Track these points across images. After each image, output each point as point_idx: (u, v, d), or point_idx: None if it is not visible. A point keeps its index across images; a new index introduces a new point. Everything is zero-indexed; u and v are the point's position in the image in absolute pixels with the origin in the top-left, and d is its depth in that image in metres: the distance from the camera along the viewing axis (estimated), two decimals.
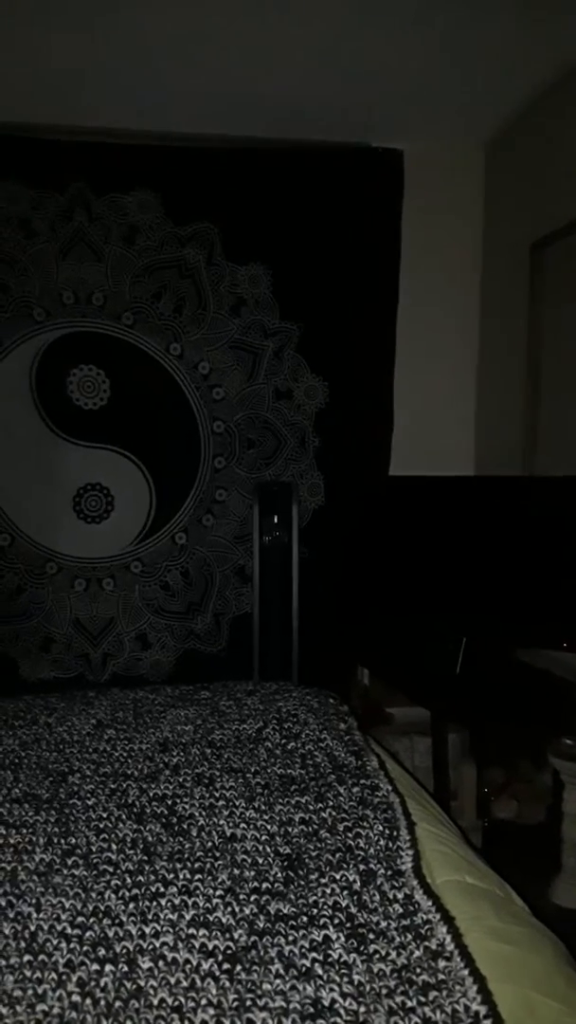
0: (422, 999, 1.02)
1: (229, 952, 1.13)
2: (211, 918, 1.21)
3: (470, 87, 2.59)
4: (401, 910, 1.23)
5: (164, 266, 2.91)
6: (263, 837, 1.48)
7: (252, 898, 1.27)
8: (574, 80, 2.47)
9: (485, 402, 3.16)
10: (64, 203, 2.82)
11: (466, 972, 1.06)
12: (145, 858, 1.40)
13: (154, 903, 1.25)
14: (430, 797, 1.86)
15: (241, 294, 2.97)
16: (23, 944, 1.15)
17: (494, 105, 2.74)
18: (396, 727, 2.94)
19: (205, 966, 1.09)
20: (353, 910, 1.23)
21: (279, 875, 1.34)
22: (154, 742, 1.96)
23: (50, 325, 2.88)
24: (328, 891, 1.28)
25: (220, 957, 1.11)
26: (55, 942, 1.15)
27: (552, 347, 2.71)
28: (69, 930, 1.18)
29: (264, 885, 1.31)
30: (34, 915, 1.22)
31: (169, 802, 1.63)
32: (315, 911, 1.23)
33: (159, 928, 1.18)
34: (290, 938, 1.16)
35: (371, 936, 1.16)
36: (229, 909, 1.23)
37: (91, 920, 1.21)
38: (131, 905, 1.25)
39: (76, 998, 1.03)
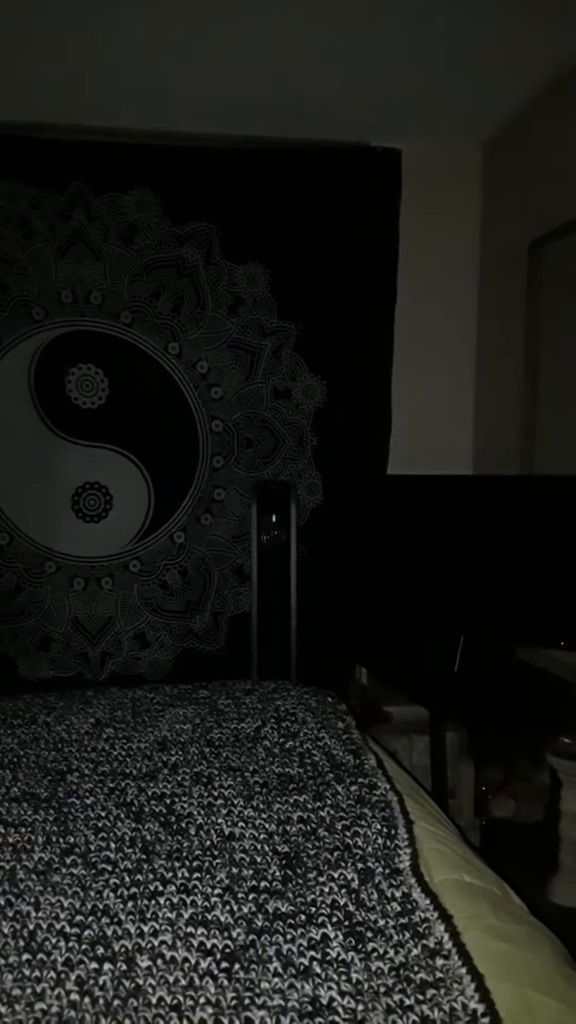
0: (420, 997, 1.02)
1: (227, 951, 1.13)
2: (209, 917, 1.21)
3: (469, 87, 2.60)
4: (399, 908, 1.23)
5: (162, 265, 2.91)
6: (261, 836, 1.48)
7: (250, 897, 1.27)
8: (572, 80, 2.47)
9: (483, 401, 3.16)
10: (63, 202, 2.82)
11: (464, 970, 1.07)
12: (144, 857, 1.40)
13: (153, 902, 1.25)
14: (428, 796, 1.86)
15: (239, 293, 2.97)
16: (22, 943, 1.15)
17: (492, 105, 2.74)
18: (394, 726, 2.94)
19: (204, 965, 1.10)
20: (351, 908, 1.23)
21: (277, 874, 1.34)
22: (152, 741, 1.96)
23: (49, 324, 2.88)
24: (326, 889, 1.28)
25: (218, 956, 1.11)
26: (54, 941, 1.15)
27: (550, 346, 2.71)
28: (68, 929, 1.18)
29: (262, 884, 1.31)
30: (33, 914, 1.22)
31: (168, 801, 1.63)
32: (313, 909, 1.23)
33: (158, 927, 1.19)
34: (288, 936, 1.16)
35: (369, 934, 1.16)
36: (227, 908, 1.23)
37: (90, 919, 1.21)
38: (130, 904, 1.25)
39: (75, 997, 1.03)
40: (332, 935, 1.16)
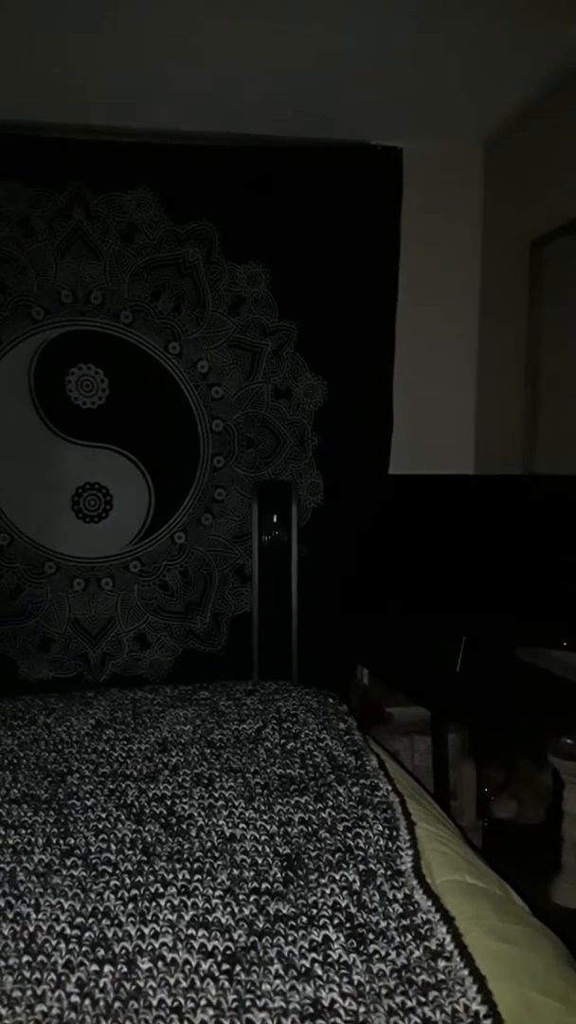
0: (422, 999, 1.02)
1: (228, 952, 1.12)
2: (210, 918, 1.21)
3: (470, 85, 2.59)
4: (401, 910, 1.22)
5: (163, 264, 2.91)
6: (262, 837, 1.47)
7: (251, 898, 1.26)
8: (573, 79, 2.47)
9: (484, 400, 3.15)
10: (63, 201, 2.82)
11: (466, 972, 1.06)
12: (144, 858, 1.40)
13: (153, 903, 1.25)
14: (430, 797, 1.86)
15: (240, 293, 2.97)
16: (22, 945, 1.15)
17: (494, 103, 2.73)
18: (396, 727, 2.94)
19: (204, 966, 1.09)
20: (353, 910, 1.22)
21: (278, 875, 1.34)
22: (153, 742, 1.96)
23: (48, 324, 2.88)
24: (328, 891, 1.28)
25: (219, 957, 1.11)
26: (54, 943, 1.15)
27: (551, 345, 2.71)
28: (68, 931, 1.18)
29: (263, 885, 1.31)
30: (33, 916, 1.22)
31: (168, 802, 1.63)
32: (315, 911, 1.22)
33: (158, 929, 1.18)
34: (290, 938, 1.16)
35: (371, 936, 1.16)
36: (228, 909, 1.23)
37: (90, 921, 1.21)
38: (130, 906, 1.25)
39: (75, 999, 1.03)
40: (334, 937, 1.15)
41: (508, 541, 2.57)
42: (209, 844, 1.45)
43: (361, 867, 1.35)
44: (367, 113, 2.79)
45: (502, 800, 2.76)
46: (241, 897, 1.27)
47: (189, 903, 1.25)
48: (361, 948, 1.13)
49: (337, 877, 1.31)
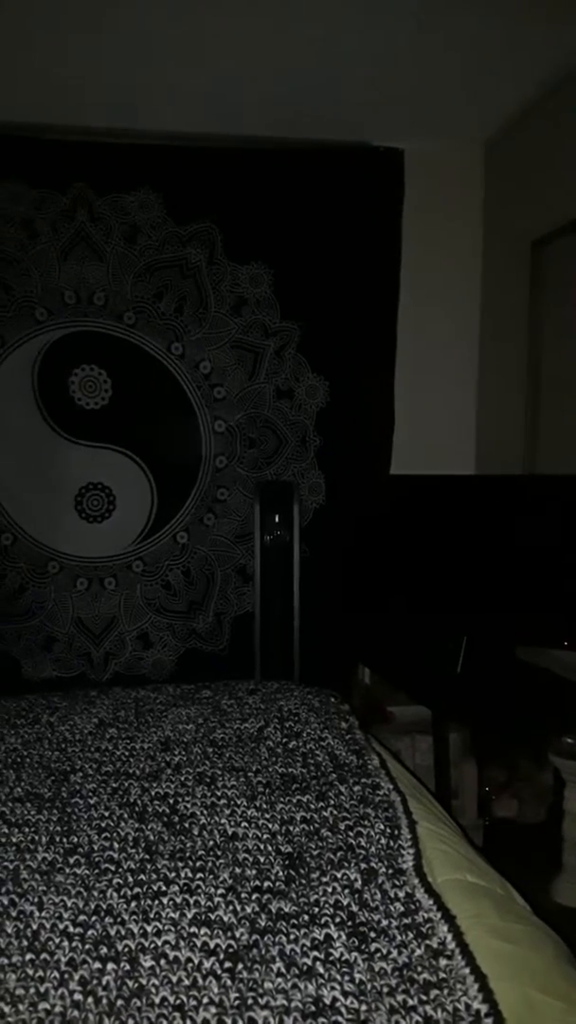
0: (423, 997, 1.02)
1: (231, 950, 1.13)
2: (213, 917, 1.21)
3: (470, 86, 2.59)
4: (402, 909, 1.23)
5: (165, 266, 2.91)
6: (264, 836, 1.48)
7: (253, 897, 1.27)
8: (573, 80, 2.47)
9: (486, 401, 3.16)
10: (66, 203, 2.82)
11: (467, 971, 1.07)
12: (147, 857, 1.40)
13: (156, 902, 1.26)
14: (431, 796, 1.86)
15: (242, 293, 2.97)
16: (25, 943, 1.16)
17: (494, 104, 2.73)
18: (397, 726, 2.94)
19: (207, 965, 1.10)
20: (354, 909, 1.23)
21: (280, 874, 1.35)
22: (156, 741, 1.97)
23: (52, 325, 2.89)
24: (329, 890, 1.28)
25: (222, 956, 1.12)
26: (57, 940, 1.16)
27: (552, 346, 2.71)
28: (71, 929, 1.19)
29: (265, 884, 1.32)
30: (36, 914, 1.23)
31: (171, 801, 1.63)
32: (316, 910, 1.23)
33: (161, 927, 1.19)
34: (291, 937, 1.16)
35: (372, 935, 1.16)
36: (231, 908, 1.24)
37: (93, 919, 1.21)
38: (133, 904, 1.25)
39: (78, 996, 1.04)
40: (335, 935, 1.16)
41: (509, 541, 2.58)
42: (211, 843, 1.46)
43: (363, 866, 1.35)
44: (368, 114, 2.79)
45: (503, 799, 2.77)
46: (243, 895, 1.27)
47: (191, 901, 1.26)
48: (363, 946, 1.13)
49: (339, 876, 1.32)
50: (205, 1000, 1.03)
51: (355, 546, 3.08)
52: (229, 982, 1.06)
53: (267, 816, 1.55)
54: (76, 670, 3.02)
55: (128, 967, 1.10)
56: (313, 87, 2.57)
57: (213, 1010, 1.01)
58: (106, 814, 1.58)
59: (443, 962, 1.09)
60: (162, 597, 3.06)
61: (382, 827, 1.49)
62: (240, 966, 1.09)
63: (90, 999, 1.03)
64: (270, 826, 1.51)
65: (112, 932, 1.18)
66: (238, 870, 1.36)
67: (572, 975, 1.16)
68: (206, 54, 2.37)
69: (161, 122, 2.79)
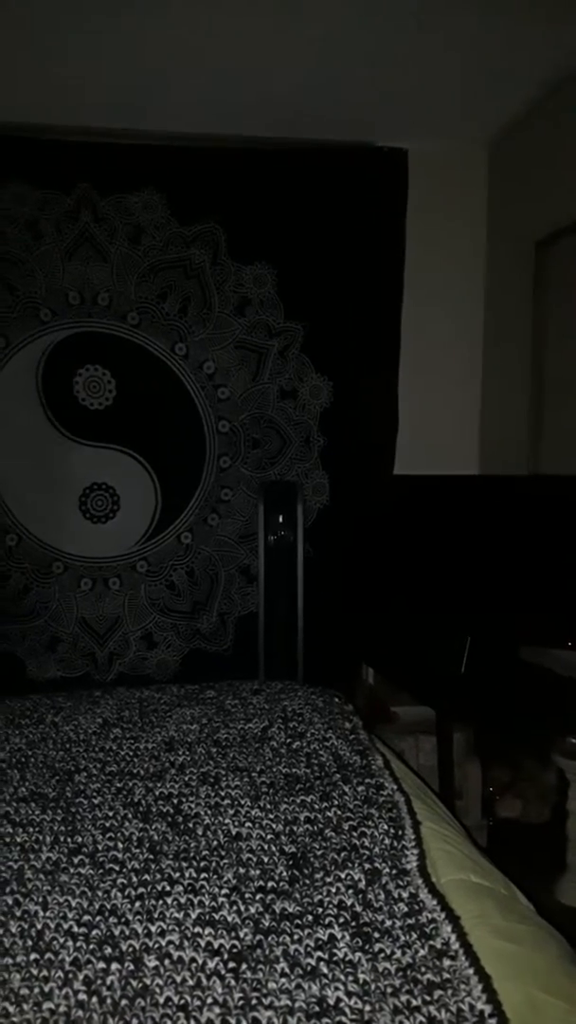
0: (427, 998, 1.02)
1: (235, 951, 1.13)
2: (217, 917, 1.22)
3: (474, 86, 2.59)
4: (406, 909, 1.23)
5: (169, 266, 2.92)
6: (268, 836, 1.48)
7: (257, 897, 1.27)
8: None
9: (489, 401, 3.16)
10: (70, 204, 2.83)
11: (471, 971, 1.07)
12: (151, 857, 1.41)
13: (160, 902, 1.26)
14: (435, 796, 1.86)
15: (246, 294, 2.97)
16: (30, 942, 1.16)
17: (498, 104, 2.73)
18: (401, 726, 2.94)
19: (211, 965, 1.10)
20: (358, 909, 1.23)
21: (284, 874, 1.35)
22: (160, 741, 1.97)
23: (56, 325, 2.89)
24: (333, 890, 1.28)
25: (226, 956, 1.12)
26: (62, 940, 1.16)
27: (556, 345, 2.70)
28: (76, 928, 1.19)
29: (269, 884, 1.32)
30: (41, 913, 1.23)
31: (175, 801, 1.64)
32: (320, 910, 1.23)
33: (165, 927, 1.19)
34: (295, 937, 1.16)
35: (376, 935, 1.16)
36: (235, 908, 1.24)
37: (97, 918, 1.22)
38: (137, 904, 1.25)
39: (82, 996, 1.04)
40: (339, 935, 1.16)
41: (512, 541, 2.58)
42: (215, 843, 1.46)
43: (366, 866, 1.35)
44: (371, 114, 2.79)
45: (507, 799, 2.77)
46: (247, 895, 1.28)
47: (195, 901, 1.26)
48: (366, 947, 1.13)
49: (343, 876, 1.32)
50: (209, 1000, 1.03)
51: (358, 546, 3.08)
52: (233, 982, 1.06)
53: (271, 816, 1.55)
54: (80, 670, 3.02)
55: (132, 967, 1.10)
56: (316, 87, 2.57)
57: (217, 1010, 1.01)
58: (110, 814, 1.58)
59: (447, 962, 1.09)
60: (166, 597, 3.07)
61: (386, 827, 1.49)
62: (244, 966, 1.10)
63: (94, 999, 1.04)
64: (274, 826, 1.52)
65: (116, 932, 1.18)
66: (242, 870, 1.36)
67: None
68: (209, 54, 2.37)
69: (165, 123, 2.79)
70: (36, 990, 1.05)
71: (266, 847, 1.44)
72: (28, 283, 2.85)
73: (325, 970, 1.08)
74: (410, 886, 1.30)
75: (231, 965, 1.10)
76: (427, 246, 3.07)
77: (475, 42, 2.32)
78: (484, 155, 3.08)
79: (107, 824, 1.54)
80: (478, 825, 2.65)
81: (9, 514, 2.93)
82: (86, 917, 1.22)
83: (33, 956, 1.12)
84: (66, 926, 1.20)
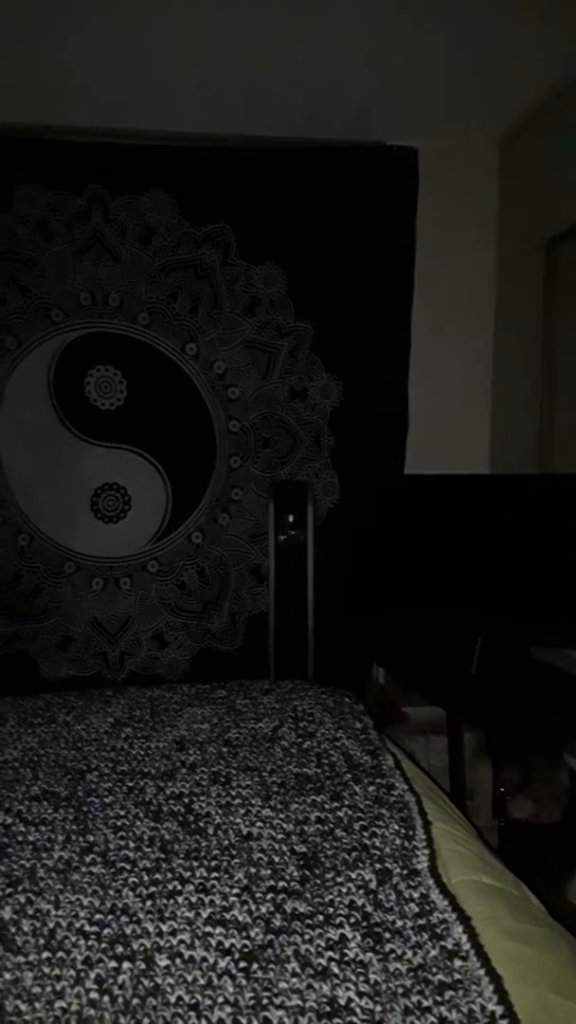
0: (438, 999, 1.02)
1: (246, 950, 1.13)
2: (228, 916, 1.22)
3: (484, 85, 2.58)
4: (417, 909, 1.23)
5: (180, 266, 2.92)
6: (279, 836, 1.48)
7: (268, 896, 1.27)
8: None
9: (500, 400, 3.15)
10: (81, 204, 2.84)
11: (482, 972, 1.07)
12: (162, 856, 1.41)
13: (171, 901, 1.26)
14: (446, 796, 1.86)
15: (256, 294, 2.98)
16: (42, 941, 1.17)
17: (508, 102, 2.72)
18: (412, 726, 2.94)
19: (222, 964, 1.10)
20: (369, 909, 1.23)
21: (295, 874, 1.35)
22: (171, 740, 1.98)
23: (67, 326, 2.90)
24: (344, 890, 1.28)
25: (237, 955, 1.12)
26: (73, 939, 1.17)
27: (568, 344, 2.69)
28: (87, 927, 1.20)
29: (280, 884, 1.32)
30: (53, 912, 1.23)
31: (186, 800, 1.64)
32: (331, 910, 1.23)
33: (176, 926, 1.19)
34: (306, 937, 1.16)
35: (387, 935, 1.16)
36: (245, 907, 1.24)
37: (109, 917, 1.22)
38: (148, 903, 1.26)
39: (94, 995, 1.05)
40: (350, 936, 1.16)
41: (524, 541, 2.57)
42: (226, 842, 1.46)
43: (377, 866, 1.35)
44: (381, 113, 2.79)
45: (518, 800, 2.75)
46: (258, 895, 1.28)
47: (206, 901, 1.26)
48: (377, 947, 1.13)
49: (353, 876, 1.32)
50: (220, 1000, 1.03)
51: (369, 546, 3.08)
52: (244, 982, 1.07)
53: (282, 816, 1.56)
54: (92, 669, 3.03)
55: (144, 966, 1.10)
56: (326, 86, 2.57)
57: (228, 1010, 1.01)
58: (122, 813, 1.58)
59: (458, 963, 1.09)
60: (177, 597, 3.07)
61: (397, 827, 1.49)
62: (255, 966, 1.10)
63: (106, 998, 1.04)
64: (285, 826, 1.52)
65: (128, 931, 1.18)
66: (253, 870, 1.36)
67: None
68: (218, 54, 2.37)
69: (175, 123, 2.80)
70: (48, 988, 1.06)
71: (277, 847, 1.44)
72: (40, 284, 2.86)
73: (336, 970, 1.08)
74: (421, 886, 1.30)
75: (242, 965, 1.10)
76: (437, 245, 3.06)
77: (485, 40, 2.31)
78: (494, 154, 3.07)
79: (119, 823, 1.54)
80: (489, 826, 2.64)
81: (21, 514, 2.94)
82: (98, 916, 1.22)
83: (45, 955, 1.13)
84: (78, 925, 1.20)
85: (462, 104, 2.73)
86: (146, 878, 1.33)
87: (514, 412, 3.04)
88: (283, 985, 1.06)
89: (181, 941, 1.16)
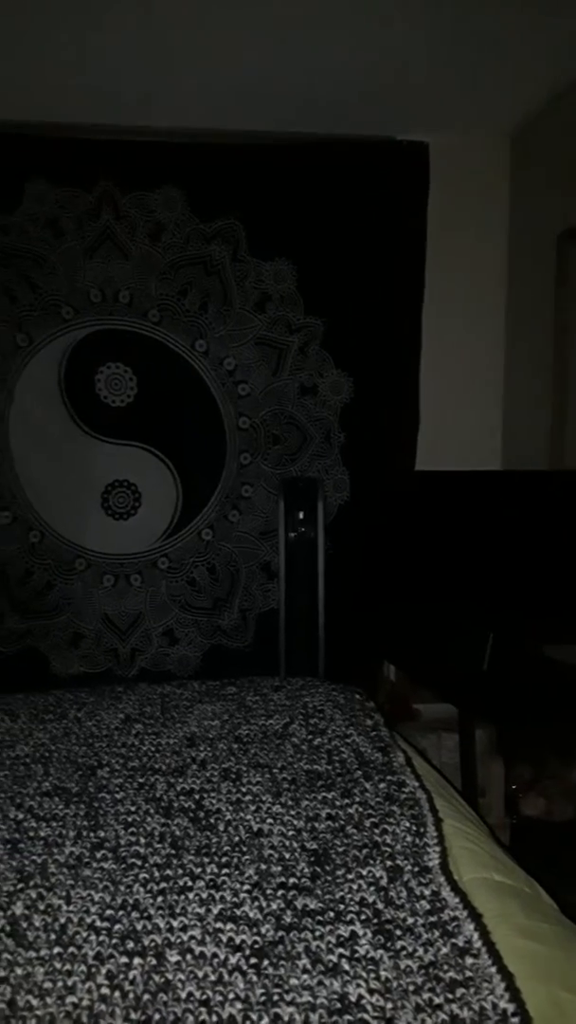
0: (449, 996, 1.02)
1: (256, 946, 1.13)
2: (238, 912, 1.22)
3: (495, 78, 2.57)
4: (428, 907, 1.22)
5: (190, 263, 2.92)
6: (290, 832, 1.48)
7: (279, 893, 1.27)
8: None
9: (512, 395, 3.13)
10: (91, 201, 2.84)
11: (494, 969, 1.06)
12: (173, 852, 1.41)
13: (182, 897, 1.26)
14: (457, 794, 1.85)
15: (266, 290, 2.97)
16: (53, 936, 1.17)
17: (520, 96, 2.71)
18: (423, 723, 2.93)
19: (232, 960, 1.10)
20: (380, 906, 1.23)
21: (306, 870, 1.35)
22: (181, 737, 1.98)
23: (78, 323, 2.91)
24: (355, 887, 1.28)
25: (247, 951, 1.12)
26: (84, 935, 1.17)
27: None
28: (98, 923, 1.20)
29: (291, 880, 1.32)
30: (64, 907, 1.24)
31: (196, 796, 1.64)
32: (342, 907, 1.23)
33: (187, 922, 1.19)
34: (317, 933, 1.16)
35: (398, 932, 1.16)
36: (256, 904, 1.24)
37: (120, 913, 1.22)
38: (159, 899, 1.26)
39: (105, 991, 1.05)
40: (361, 932, 1.16)
41: (536, 537, 2.55)
42: (237, 839, 1.46)
43: (388, 863, 1.35)
44: (391, 107, 2.78)
45: (530, 797, 2.74)
46: (268, 892, 1.28)
47: (217, 897, 1.26)
48: (388, 944, 1.13)
49: (364, 873, 1.32)
50: (231, 996, 1.03)
51: (379, 543, 3.07)
52: (255, 978, 1.06)
53: (292, 813, 1.55)
54: (103, 666, 3.04)
55: (154, 962, 1.10)
56: (336, 82, 2.56)
57: (239, 1006, 1.01)
58: (132, 809, 1.58)
59: (469, 961, 1.09)
60: (187, 594, 3.07)
61: (408, 824, 1.48)
62: (265, 962, 1.10)
63: (117, 993, 1.04)
64: (295, 822, 1.51)
65: (138, 927, 1.18)
66: (263, 866, 1.36)
67: None
68: (228, 49, 2.37)
69: (184, 119, 2.80)
70: (59, 984, 1.06)
71: (287, 843, 1.44)
72: (50, 281, 2.87)
73: (347, 967, 1.08)
74: (432, 884, 1.29)
75: (253, 961, 1.10)
76: (448, 240, 3.05)
77: (497, 33, 2.30)
78: (506, 148, 3.06)
79: (129, 819, 1.54)
80: (501, 823, 2.63)
81: (32, 511, 2.95)
82: (109, 911, 1.22)
83: (56, 950, 1.13)
84: (89, 920, 1.20)
85: (473, 98, 2.72)
86: (157, 874, 1.33)
87: (525, 408, 3.02)
88: (294, 981, 1.05)
89: (192, 937, 1.15)
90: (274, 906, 1.23)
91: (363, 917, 1.20)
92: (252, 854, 1.40)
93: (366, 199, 2.97)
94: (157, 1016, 1.00)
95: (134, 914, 1.22)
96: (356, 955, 1.11)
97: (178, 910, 1.22)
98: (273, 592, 3.10)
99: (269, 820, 1.52)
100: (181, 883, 1.30)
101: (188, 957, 1.11)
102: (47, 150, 2.81)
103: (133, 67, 2.47)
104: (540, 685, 2.42)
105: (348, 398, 3.06)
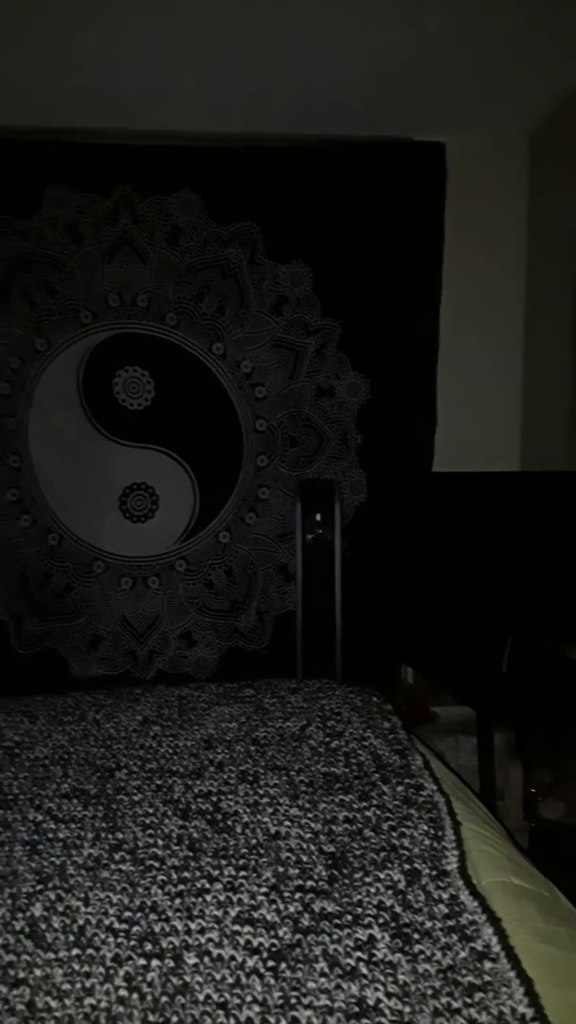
0: (468, 1000, 1.01)
1: (274, 949, 1.13)
2: (256, 915, 1.22)
3: (512, 77, 2.56)
4: (446, 910, 1.22)
5: (207, 266, 2.93)
6: (307, 835, 1.48)
7: (296, 896, 1.27)
8: None
9: (530, 396, 3.11)
10: (109, 206, 2.86)
11: (513, 974, 1.05)
12: (190, 854, 1.41)
13: (199, 899, 1.26)
14: (476, 797, 1.84)
15: (283, 292, 2.97)
16: (72, 938, 1.17)
17: (537, 95, 2.69)
18: (441, 726, 2.92)
19: (250, 963, 1.10)
20: (398, 910, 1.22)
21: (323, 873, 1.34)
22: (199, 739, 1.98)
23: (96, 327, 2.92)
24: (373, 890, 1.28)
25: (265, 954, 1.12)
26: (103, 936, 1.17)
27: None
28: (116, 925, 1.20)
29: (308, 883, 1.31)
30: (82, 909, 1.24)
31: (214, 799, 1.64)
32: (360, 910, 1.23)
33: (204, 924, 1.20)
34: (335, 937, 1.16)
35: (416, 936, 1.15)
36: (274, 906, 1.24)
37: (138, 915, 1.22)
38: (177, 901, 1.26)
39: (123, 992, 1.05)
40: (379, 936, 1.15)
41: (555, 538, 2.54)
42: (254, 841, 1.46)
43: (406, 867, 1.35)
44: (408, 108, 2.77)
45: (549, 801, 2.73)
46: (286, 894, 1.27)
47: (235, 899, 1.26)
48: (406, 948, 1.13)
49: (382, 876, 1.31)
50: (248, 999, 1.03)
51: (397, 545, 3.06)
52: (272, 981, 1.06)
53: (310, 815, 1.55)
54: (121, 668, 3.05)
55: (172, 964, 1.10)
56: (352, 83, 2.56)
57: (256, 1009, 1.01)
58: (150, 811, 1.59)
59: (488, 965, 1.08)
60: (205, 596, 3.08)
61: (425, 828, 1.48)
62: (283, 965, 1.10)
63: (135, 995, 1.04)
64: (313, 825, 1.51)
65: (157, 929, 1.19)
66: (281, 869, 1.36)
67: None
68: (244, 52, 2.38)
69: (201, 123, 2.81)
70: (78, 985, 1.07)
71: (305, 846, 1.44)
72: (68, 286, 2.88)
73: (365, 970, 1.08)
74: (450, 887, 1.29)
75: (270, 964, 1.10)
76: (466, 241, 3.04)
77: (515, 32, 2.29)
78: (524, 147, 3.04)
79: (147, 821, 1.55)
80: (520, 827, 2.61)
81: (51, 514, 2.97)
82: (127, 913, 1.23)
83: (75, 951, 1.14)
84: (107, 922, 1.21)
85: (490, 98, 2.71)
86: (175, 876, 1.34)
87: (544, 408, 3.00)
88: (311, 985, 1.05)
89: (209, 939, 1.16)
90: (291, 909, 1.23)
91: (381, 921, 1.19)
92: (269, 857, 1.40)
93: (383, 200, 2.97)
94: (175, 1018, 1.01)
95: (152, 916, 1.22)
96: (374, 959, 1.10)
97: (196, 912, 1.23)
98: (290, 594, 3.10)
99: (286, 823, 1.52)
100: (199, 885, 1.30)
101: (206, 959, 1.11)
102: (66, 156, 2.83)
103: (151, 72, 2.48)
104: (559, 687, 2.40)
105: (365, 400, 3.06)
